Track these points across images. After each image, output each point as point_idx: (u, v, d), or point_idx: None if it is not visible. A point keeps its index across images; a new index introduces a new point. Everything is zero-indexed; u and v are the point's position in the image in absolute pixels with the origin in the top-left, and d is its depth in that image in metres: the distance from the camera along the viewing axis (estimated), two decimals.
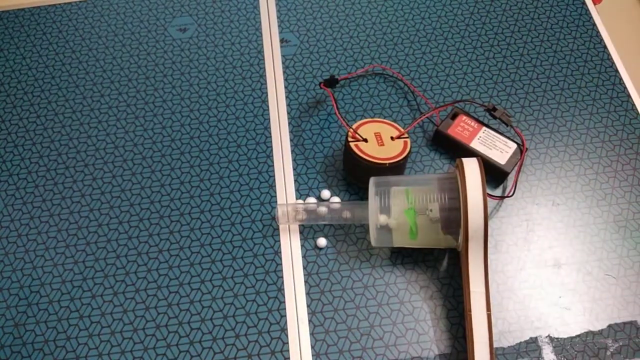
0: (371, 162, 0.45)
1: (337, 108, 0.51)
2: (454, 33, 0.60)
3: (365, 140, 0.47)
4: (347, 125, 0.48)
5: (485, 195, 0.39)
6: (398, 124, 0.51)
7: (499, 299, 0.45)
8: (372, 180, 0.44)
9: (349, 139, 0.47)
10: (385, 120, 0.48)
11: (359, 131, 0.47)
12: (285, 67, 0.58)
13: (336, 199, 0.49)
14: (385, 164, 0.45)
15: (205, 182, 0.51)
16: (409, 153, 0.47)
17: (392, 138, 0.47)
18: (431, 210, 0.41)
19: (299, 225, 0.49)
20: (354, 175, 0.49)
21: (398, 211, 0.42)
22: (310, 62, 0.58)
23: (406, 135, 0.48)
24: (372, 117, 0.54)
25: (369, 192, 0.43)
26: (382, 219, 0.43)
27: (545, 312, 0.44)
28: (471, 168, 0.41)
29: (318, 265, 0.47)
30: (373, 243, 0.44)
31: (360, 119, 0.53)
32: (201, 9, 0.63)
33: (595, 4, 0.62)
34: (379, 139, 0.47)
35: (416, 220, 0.42)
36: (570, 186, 0.50)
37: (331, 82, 0.54)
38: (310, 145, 0.53)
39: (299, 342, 0.44)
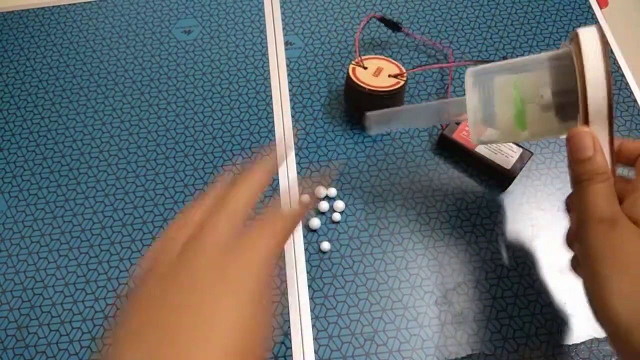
0: (355, 83, 0.49)
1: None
2: (459, 37, 0.59)
3: (365, 68, 0.50)
4: (358, 50, 0.52)
5: (609, 68, 0.32)
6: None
7: (504, 305, 0.45)
8: (468, 71, 0.39)
9: (352, 63, 0.51)
10: (394, 61, 0.51)
11: (365, 62, 0.51)
12: (290, 70, 0.58)
13: (340, 204, 0.49)
14: (365, 88, 0.49)
15: (210, 185, 0.51)
16: (399, 88, 0.49)
17: (389, 75, 0.50)
18: (542, 97, 0.35)
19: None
20: (350, 102, 0.53)
21: (500, 102, 0.37)
22: (314, 64, 0.58)
23: (404, 77, 0.50)
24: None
25: (465, 85, 0.39)
26: (482, 111, 0.37)
27: (550, 318, 0.44)
28: (589, 39, 0.33)
29: (322, 269, 0.47)
30: (473, 140, 0.39)
31: None
32: (206, 11, 0.63)
33: (601, 8, 0.62)
34: (377, 72, 0.50)
35: (523, 109, 0.36)
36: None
37: (392, 25, 0.57)
38: (315, 148, 0.53)
39: (302, 347, 0.44)
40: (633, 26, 1.40)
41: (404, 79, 0.50)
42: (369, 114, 0.42)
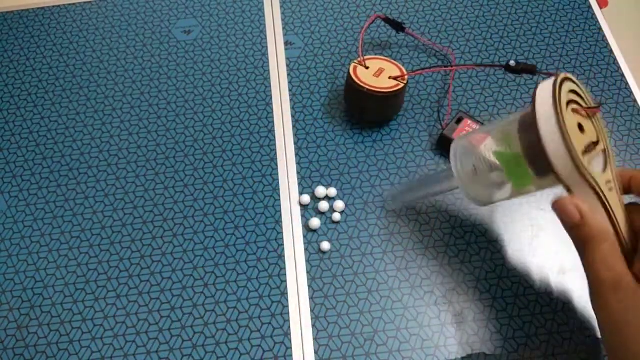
0: (356, 82, 0.49)
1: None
2: (459, 37, 0.59)
3: (367, 68, 0.50)
4: (362, 49, 0.54)
5: (563, 126, 0.30)
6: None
7: (504, 305, 0.45)
8: (453, 146, 0.40)
9: (354, 62, 0.51)
10: (396, 63, 0.51)
11: (367, 62, 0.51)
12: (290, 70, 0.58)
13: (340, 204, 0.49)
14: (365, 88, 0.48)
15: (209, 185, 0.51)
16: (399, 90, 0.49)
17: (389, 77, 0.50)
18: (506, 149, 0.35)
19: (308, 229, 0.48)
20: (350, 102, 0.53)
21: (487, 167, 0.37)
22: (314, 64, 0.58)
23: (405, 80, 0.50)
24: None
25: (450, 158, 0.39)
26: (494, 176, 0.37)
27: (550, 318, 0.44)
28: (541, 98, 0.32)
29: (322, 269, 0.47)
30: (482, 205, 0.39)
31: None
32: (206, 11, 0.63)
33: (601, 8, 0.62)
34: (378, 73, 0.50)
35: (516, 166, 0.35)
36: None
37: (396, 26, 0.57)
38: (315, 148, 0.53)
39: (302, 346, 0.44)
40: (633, 26, 1.40)
41: (405, 81, 0.50)
42: (387, 192, 0.48)
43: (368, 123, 0.54)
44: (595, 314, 0.33)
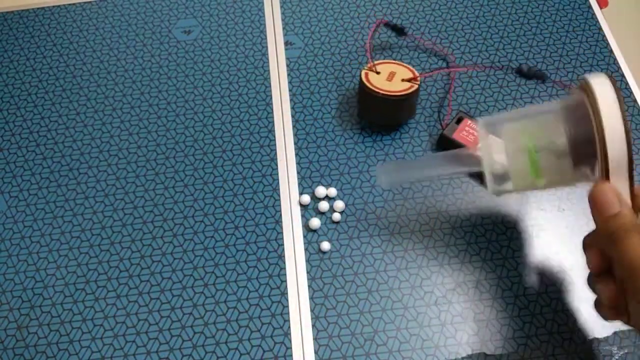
0: (369, 89, 0.49)
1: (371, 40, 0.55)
2: (459, 37, 0.59)
3: (378, 73, 0.50)
4: (371, 56, 0.54)
5: (626, 118, 0.33)
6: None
7: (504, 305, 0.45)
8: (480, 122, 0.39)
9: (364, 68, 0.51)
10: (407, 65, 0.51)
11: (378, 67, 0.51)
12: (290, 70, 0.58)
13: (340, 204, 0.49)
14: (379, 93, 0.48)
15: (209, 185, 0.51)
16: (414, 92, 0.49)
17: (402, 80, 0.49)
18: (556, 145, 0.35)
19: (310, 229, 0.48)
20: (365, 108, 0.52)
21: (514, 151, 0.37)
22: (314, 64, 0.58)
23: (417, 81, 0.49)
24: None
25: (478, 135, 0.39)
26: (498, 163, 0.37)
27: (550, 318, 0.44)
28: (603, 89, 0.33)
29: (322, 269, 0.47)
30: (490, 191, 0.39)
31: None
32: (206, 11, 0.63)
33: (601, 8, 0.62)
34: (390, 77, 0.50)
35: (538, 158, 0.36)
36: (575, 191, 0.50)
37: (398, 30, 0.57)
38: (315, 148, 0.53)
39: (302, 346, 0.44)
40: (633, 26, 1.40)
41: (418, 82, 0.49)
42: (378, 166, 0.43)
43: (384, 127, 0.53)
44: (631, 305, 0.32)
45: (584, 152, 0.34)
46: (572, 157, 0.35)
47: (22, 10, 0.65)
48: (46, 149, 0.54)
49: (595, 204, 0.33)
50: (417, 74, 0.50)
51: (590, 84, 0.34)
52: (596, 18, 0.60)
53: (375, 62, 0.51)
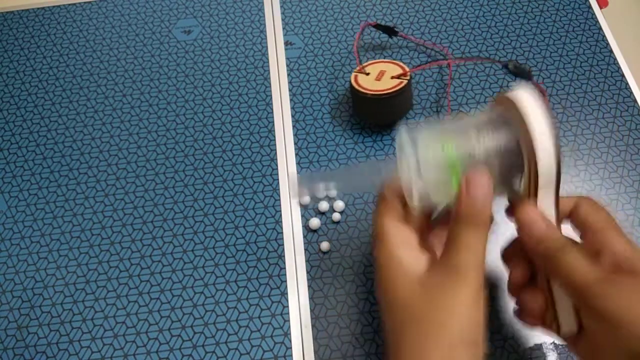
0: (358, 91, 0.49)
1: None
2: (459, 37, 0.59)
3: (367, 74, 0.50)
4: (358, 59, 0.55)
5: (557, 141, 0.31)
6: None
7: (504, 304, 0.45)
8: (400, 131, 0.36)
9: (354, 71, 0.51)
10: (397, 62, 0.51)
11: (366, 68, 0.51)
12: (290, 70, 0.58)
13: (340, 204, 0.49)
14: (368, 94, 0.48)
15: (209, 185, 0.51)
16: (403, 88, 0.49)
17: (391, 77, 0.50)
18: (474, 157, 0.33)
19: (305, 228, 0.48)
20: (359, 111, 0.53)
21: (434, 164, 0.34)
22: (314, 65, 0.58)
23: (407, 76, 0.49)
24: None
25: (396, 147, 0.36)
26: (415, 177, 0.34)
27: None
28: (528, 102, 0.32)
29: (322, 269, 0.47)
30: (412, 206, 0.35)
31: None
32: (206, 11, 0.63)
33: (601, 8, 0.62)
34: (379, 76, 0.50)
35: (459, 170, 0.34)
36: (576, 192, 0.50)
37: (388, 31, 0.57)
38: (315, 148, 0.53)
39: (302, 347, 0.44)
40: (633, 26, 1.40)
41: (407, 77, 0.50)
42: (298, 175, 0.42)
43: (383, 127, 0.54)
44: (584, 317, 0.32)
45: (511, 165, 0.33)
46: (499, 171, 0.33)
47: (22, 10, 0.65)
48: (46, 149, 0.54)
49: (523, 226, 0.33)
50: (407, 69, 0.50)
51: (515, 98, 0.32)
52: (596, 18, 0.60)
53: (366, 63, 0.52)
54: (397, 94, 0.49)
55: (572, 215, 0.36)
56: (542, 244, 0.33)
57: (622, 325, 0.29)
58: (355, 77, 0.51)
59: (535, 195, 0.33)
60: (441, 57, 0.58)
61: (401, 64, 0.51)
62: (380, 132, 0.53)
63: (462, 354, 0.30)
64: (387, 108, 0.50)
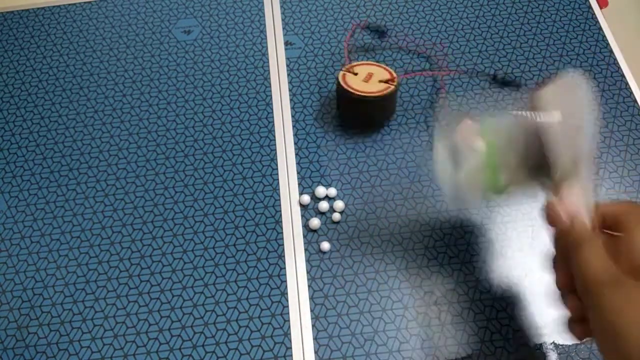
0: (345, 90, 0.49)
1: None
2: (459, 37, 0.59)
3: (355, 74, 0.50)
4: (348, 57, 0.55)
5: (580, 122, 0.33)
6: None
7: (504, 305, 0.45)
8: (436, 135, 0.39)
9: (342, 69, 0.51)
10: (385, 67, 0.51)
11: (355, 68, 0.51)
12: (290, 70, 0.58)
13: (340, 204, 0.49)
14: (354, 94, 0.49)
15: (209, 185, 0.51)
16: (389, 93, 0.49)
17: (379, 81, 0.50)
18: (513, 154, 0.36)
19: (305, 229, 0.48)
20: (343, 110, 0.53)
21: (472, 164, 0.37)
22: (314, 64, 0.58)
23: (394, 82, 0.49)
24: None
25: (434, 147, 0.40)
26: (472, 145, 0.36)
27: (550, 318, 0.44)
28: (555, 99, 0.34)
29: (322, 269, 0.47)
30: (451, 205, 0.39)
31: None
32: (206, 11, 0.63)
33: (601, 8, 0.62)
34: (367, 78, 0.50)
35: (499, 158, 0.36)
36: None
37: (378, 33, 0.58)
38: (315, 148, 0.53)
39: (302, 346, 0.44)
40: (633, 26, 1.40)
41: (395, 83, 0.49)
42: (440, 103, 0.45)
43: (361, 128, 0.54)
44: (591, 313, 0.33)
45: (540, 162, 0.34)
46: (530, 164, 0.35)
47: (22, 10, 0.65)
48: (46, 149, 0.54)
49: (548, 218, 0.34)
50: (395, 75, 0.50)
51: (543, 94, 0.34)
52: (596, 18, 0.60)
53: (355, 63, 0.52)
54: (383, 98, 0.49)
55: (615, 217, 0.36)
56: (564, 239, 0.33)
57: (615, 326, 0.30)
58: (344, 75, 0.50)
59: (562, 188, 0.34)
60: (434, 61, 0.58)
61: (390, 69, 0.51)
62: (379, 132, 0.53)
63: None
64: (371, 110, 0.51)
